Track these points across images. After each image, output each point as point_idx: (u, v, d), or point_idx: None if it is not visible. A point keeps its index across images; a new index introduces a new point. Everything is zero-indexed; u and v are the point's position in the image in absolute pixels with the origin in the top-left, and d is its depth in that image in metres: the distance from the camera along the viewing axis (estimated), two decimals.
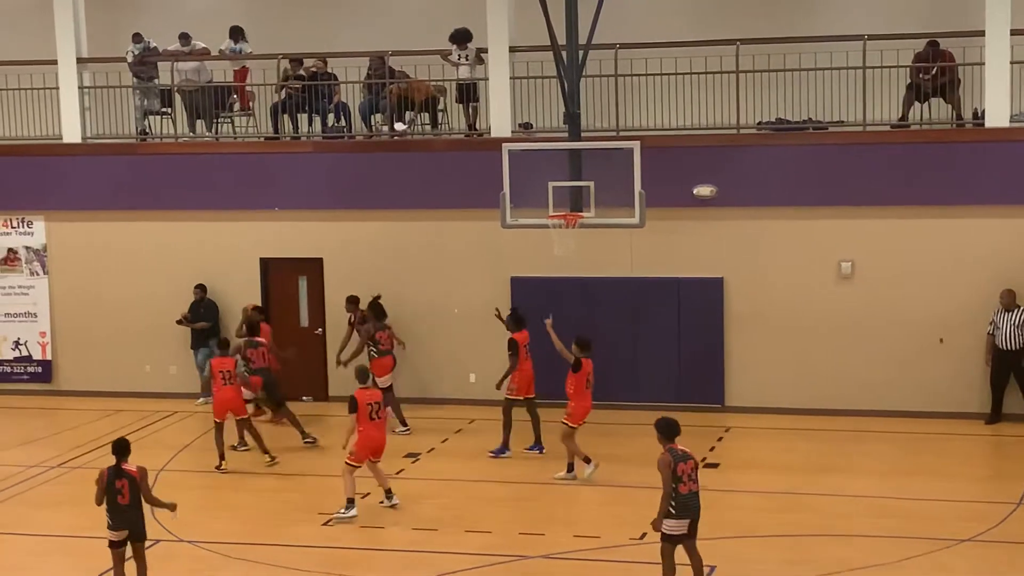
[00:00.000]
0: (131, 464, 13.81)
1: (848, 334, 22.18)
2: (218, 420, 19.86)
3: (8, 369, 26.11)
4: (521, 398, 20.23)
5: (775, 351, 22.50)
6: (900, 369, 22.04)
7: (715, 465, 19.78)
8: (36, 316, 25.62)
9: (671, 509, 13.70)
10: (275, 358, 21.57)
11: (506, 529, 17.15)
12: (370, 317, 21.74)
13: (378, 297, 22.10)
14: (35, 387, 25.85)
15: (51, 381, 25.90)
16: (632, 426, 21.55)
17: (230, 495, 19.29)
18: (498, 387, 20.52)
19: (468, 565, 15.65)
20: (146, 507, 14.18)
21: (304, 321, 24.55)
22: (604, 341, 22.76)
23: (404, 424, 21.74)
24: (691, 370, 22.95)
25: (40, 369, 25.96)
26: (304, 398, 24.47)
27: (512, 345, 20.27)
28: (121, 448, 13.90)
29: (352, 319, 22.59)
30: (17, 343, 25.89)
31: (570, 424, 18.75)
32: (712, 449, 20.59)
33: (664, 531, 13.84)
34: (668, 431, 14.03)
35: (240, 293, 24.22)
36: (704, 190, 22.13)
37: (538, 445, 20.24)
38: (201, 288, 23.95)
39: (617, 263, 22.69)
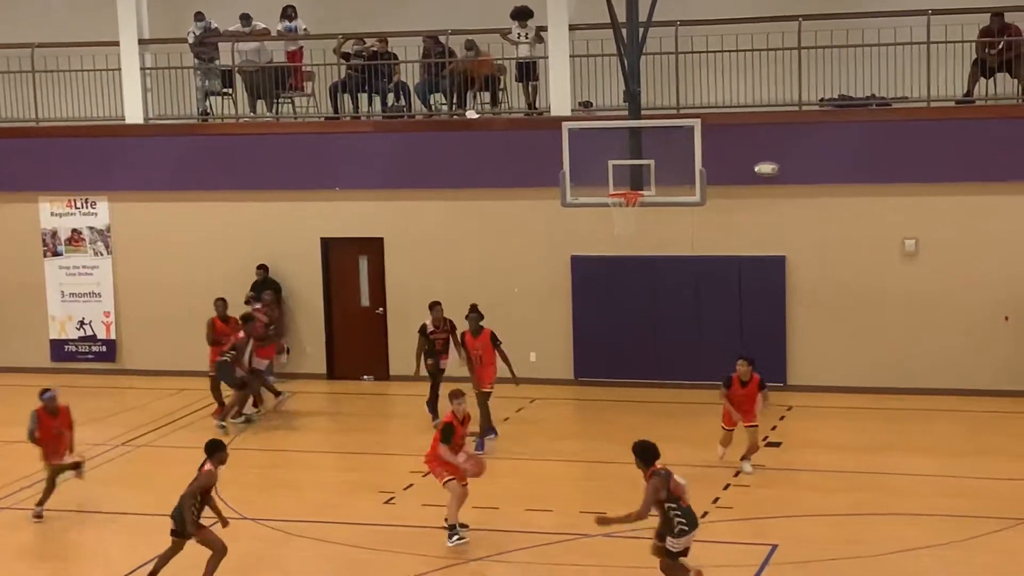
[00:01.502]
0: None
1: (912, 312, 22.00)
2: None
3: (73, 348, 26.42)
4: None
5: (838, 329, 22.37)
6: (965, 347, 21.86)
7: (777, 444, 19.74)
8: (100, 296, 25.91)
9: (683, 527, 13.09)
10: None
11: (567, 508, 17.16)
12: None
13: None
14: (100, 366, 26.13)
15: (115, 360, 26.18)
16: (694, 405, 21.56)
17: (291, 473, 19.46)
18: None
19: (529, 543, 15.68)
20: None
21: (364, 300, 24.63)
22: (665, 320, 22.79)
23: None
24: (753, 349, 22.88)
25: (104, 348, 26.26)
26: (365, 377, 24.62)
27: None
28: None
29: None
30: (82, 323, 26.19)
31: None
32: (774, 428, 20.52)
33: (671, 548, 13.23)
34: (647, 455, 13.27)
35: (301, 273, 24.40)
36: (766, 168, 22.00)
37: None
38: (263, 268, 24.08)
39: (678, 242, 22.60)
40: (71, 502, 18.01)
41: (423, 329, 20.84)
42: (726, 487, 17.82)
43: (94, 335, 26.26)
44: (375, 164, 23.84)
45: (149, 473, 19.19)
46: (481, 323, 20.03)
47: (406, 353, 22.19)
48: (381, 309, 24.35)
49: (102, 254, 25.79)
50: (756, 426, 18.15)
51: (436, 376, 20.89)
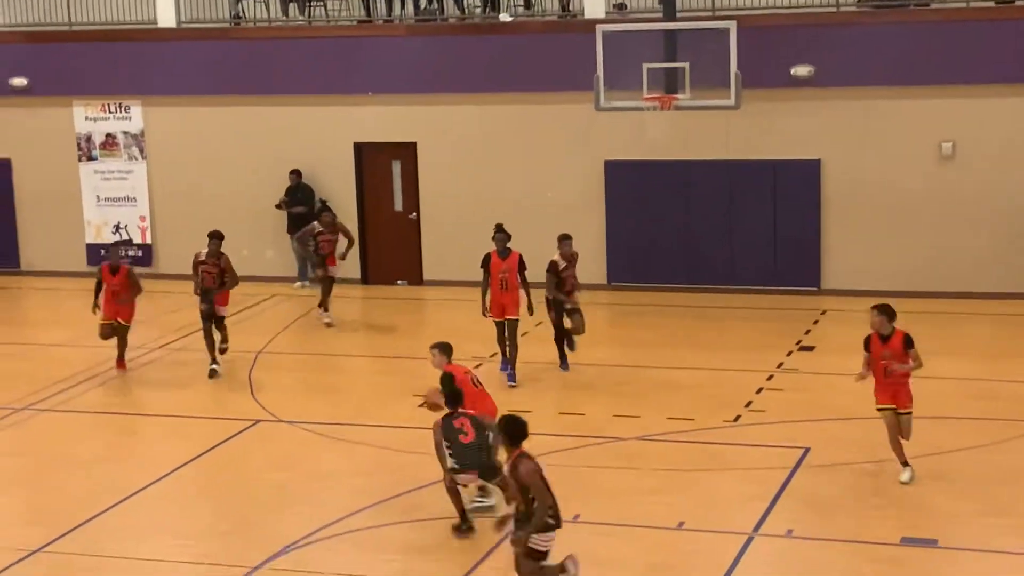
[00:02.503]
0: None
1: (947, 215, 21.90)
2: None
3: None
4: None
5: (873, 233, 22.29)
6: (999, 251, 21.76)
7: (810, 348, 19.84)
8: (135, 200, 26.05)
9: (549, 520, 10.98)
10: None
11: (600, 412, 17.36)
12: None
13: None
14: (136, 271, 26.33)
15: (151, 265, 26.39)
16: (729, 310, 21.64)
17: (327, 377, 19.74)
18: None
19: (563, 447, 15.86)
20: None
21: (398, 205, 24.68)
22: (699, 225, 22.78)
23: None
24: (787, 253, 22.87)
25: (140, 253, 26.44)
26: (399, 282, 24.74)
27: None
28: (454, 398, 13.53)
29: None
30: (117, 227, 26.36)
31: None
32: (807, 332, 20.60)
33: (537, 547, 11.06)
34: (518, 433, 11.15)
35: (335, 178, 24.45)
36: (802, 70, 21.84)
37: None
38: (296, 173, 24.14)
39: (713, 146, 22.52)
40: (113, 405, 18.38)
41: (553, 267, 18.57)
42: (759, 391, 17.95)
43: (130, 239, 26.45)
44: (408, 68, 23.75)
45: (186, 377, 19.49)
46: (508, 244, 18.81)
47: (439, 257, 22.39)
48: (414, 214, 24.38)
49: (136, 159, 25.89)
50: (910, 412, 14.37)
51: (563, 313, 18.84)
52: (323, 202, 23.55)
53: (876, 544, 13.21)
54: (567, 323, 18.51)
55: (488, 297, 18.73)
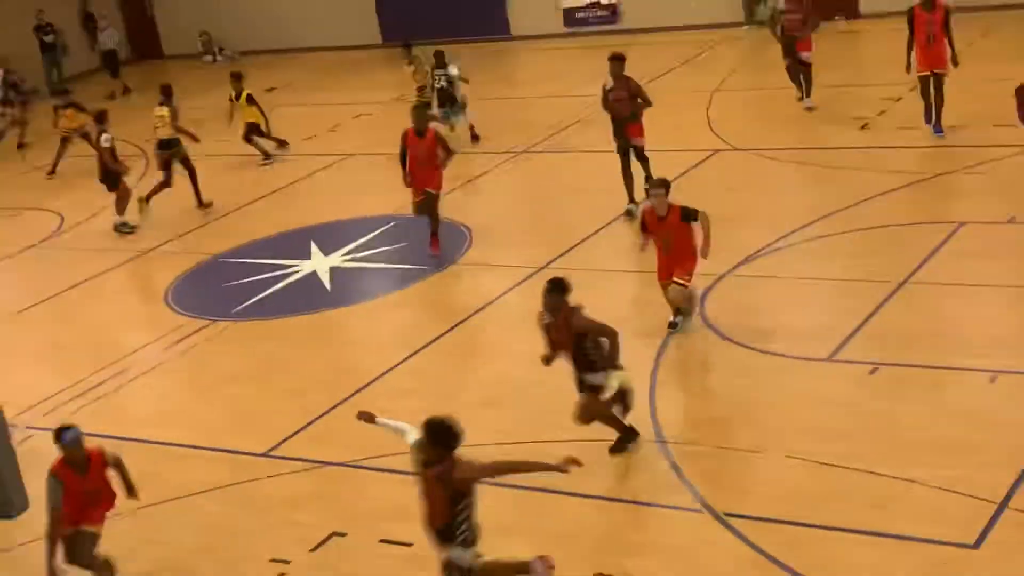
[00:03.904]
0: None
1: None
2: None
3: (583, 15, 29.83)
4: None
5: None
6: None
7: None
8: None
9: (468, 535, 9.09)
10: None
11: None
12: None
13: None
14: (605, 28, 29.40)
15: (617, 23, 29.05)
16: None
17: (778, 107, 21.83)
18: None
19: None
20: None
21: None
22: None
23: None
24: None
25: (608, 12, 29.33)
26: (836, 17, 26.23)
27: None
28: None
29: None
30: None
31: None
32: None
33: (459, 563, 9.27)
34: (446, 440, 8.84)
35: None
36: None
37: None
38: None
39: None
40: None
41: None
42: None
43: (599, 1, 29.22)
44: None
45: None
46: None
47: None
48: None
49: None
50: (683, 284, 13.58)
51: None
52: None
53: None
54: None
55: (913, 52, 18.36)
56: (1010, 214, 15.31)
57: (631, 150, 17.47)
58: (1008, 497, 9.91)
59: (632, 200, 17.56)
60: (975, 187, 16.87)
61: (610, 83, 17.62)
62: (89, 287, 18.55)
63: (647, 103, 17.58)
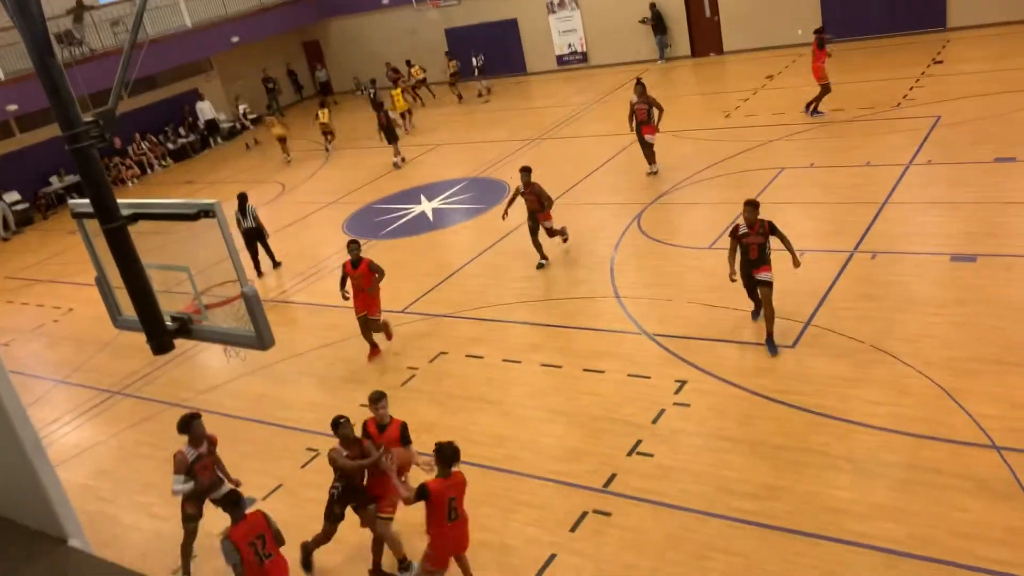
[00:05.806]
0: None
1: None
2: None
3: (567, 58, 37.44)
4: None
5: None
6: None
7: (938, 61, 25.72)
8: None
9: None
10: None
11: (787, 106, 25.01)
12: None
13: None
14: (579, 65, 36.59)
15: (587, 62, 36.24)
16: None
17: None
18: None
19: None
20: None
21: None
22: None
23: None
24: None
25: (581, 56, 36.68)
26: (710, 54, 31.99)
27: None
28: None
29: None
30: None
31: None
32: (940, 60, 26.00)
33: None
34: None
35: None
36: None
37: None
38: None
39: None
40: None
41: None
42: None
43: (576, 49, 36.96)
44: None
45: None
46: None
47: None
48: None
49: None
50: None
51: None
52: None
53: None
54: None
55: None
56: (811, 161, 20.53)
57: (540, 228, 19.91)
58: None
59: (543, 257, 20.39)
60: (789, 149, 22.69)
61: (521, 187, 19.55)
62: (302, 223, 26.24)
63: (549, 201, 19.66)
